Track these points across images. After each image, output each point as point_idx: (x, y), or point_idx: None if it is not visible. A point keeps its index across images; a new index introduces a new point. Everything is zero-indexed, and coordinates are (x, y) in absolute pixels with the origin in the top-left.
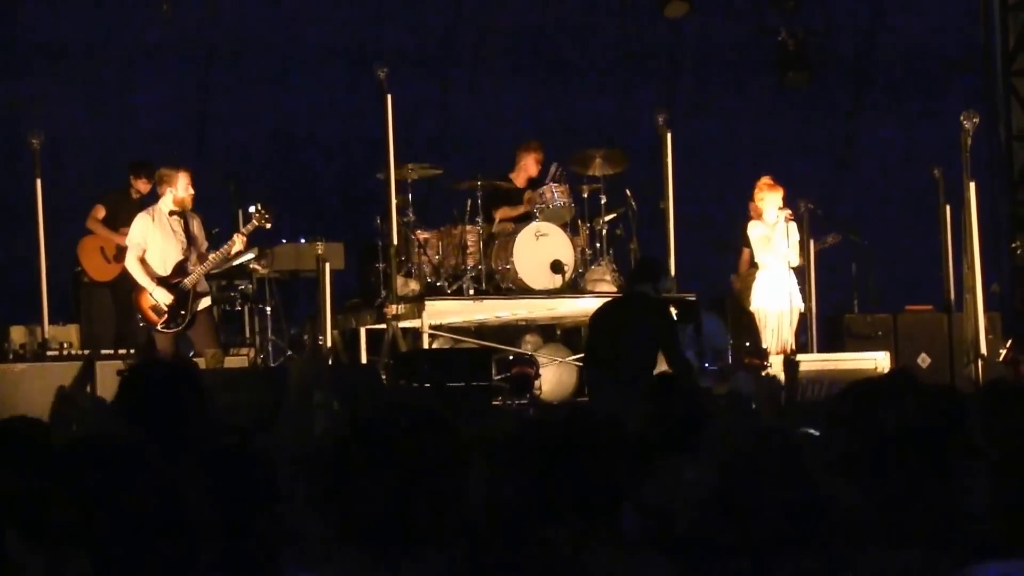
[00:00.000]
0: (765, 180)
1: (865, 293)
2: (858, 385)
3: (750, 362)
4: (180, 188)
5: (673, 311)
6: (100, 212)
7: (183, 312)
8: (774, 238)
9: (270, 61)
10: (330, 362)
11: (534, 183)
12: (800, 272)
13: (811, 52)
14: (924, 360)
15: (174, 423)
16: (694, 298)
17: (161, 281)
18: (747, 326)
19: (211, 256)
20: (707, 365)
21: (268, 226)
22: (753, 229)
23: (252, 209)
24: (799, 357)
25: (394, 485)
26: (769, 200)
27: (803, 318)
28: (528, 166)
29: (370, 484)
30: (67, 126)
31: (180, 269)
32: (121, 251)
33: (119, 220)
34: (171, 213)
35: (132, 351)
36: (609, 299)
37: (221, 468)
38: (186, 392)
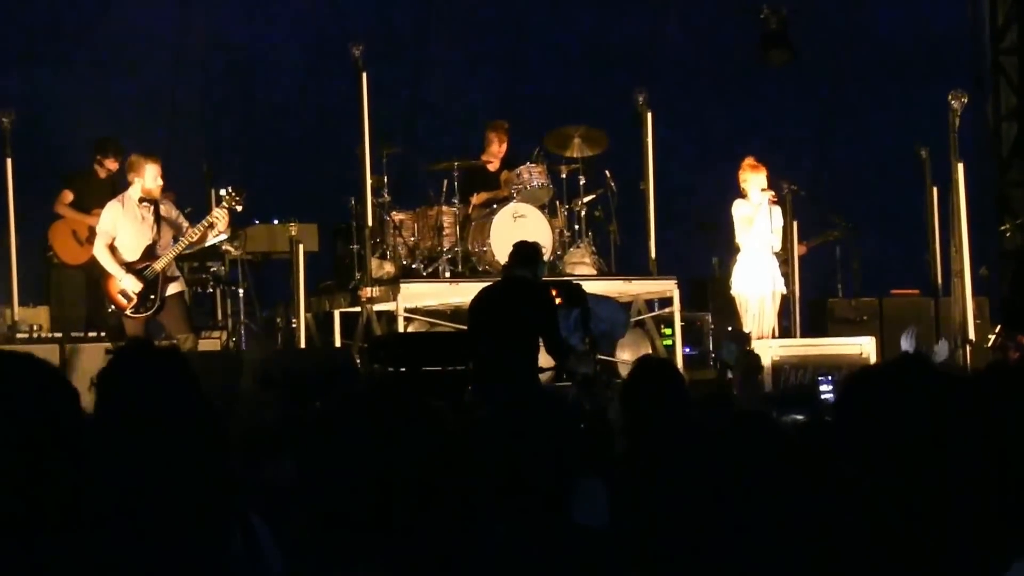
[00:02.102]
0: (748, 161)
1: (849, 277)
2: (869, 371)
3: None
4: (148, 178)
5: (555, 295)
6: (68, 197)
7: (152, 296)
8: (757, 220)
9: (240, 37)
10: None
11: (506, 163)
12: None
13: (793, 30)
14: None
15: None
16: (576, 282)
17: (129, 268)
18: (729, 311)
19: (187, 232)
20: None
21: (239, 208)
22: (737, 208)
23: (223, 191)
24: (781, 342)
25: (367, 474)
26: (752, 181)
27: (786, 302)
28: (498, 146)
29: (343, 475)
30: (39, 105)
31: (149, 253)
32: (94, 233)
33: (90, 201)
34: (140, 200)
35: (103, 334)
36: (488, 285)
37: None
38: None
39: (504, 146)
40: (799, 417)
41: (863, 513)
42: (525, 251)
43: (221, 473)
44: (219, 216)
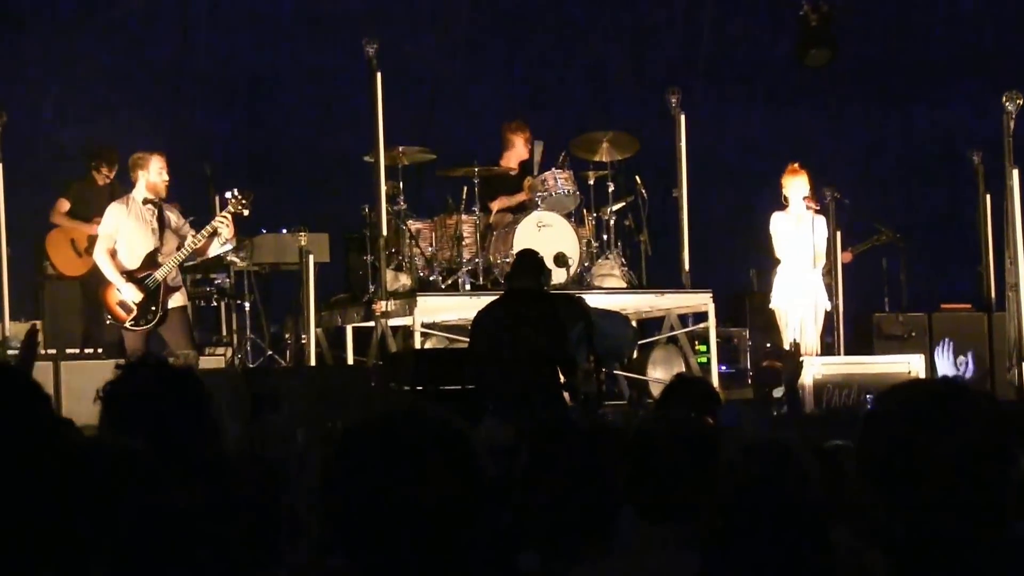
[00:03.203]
0: (790, 166)
1: (896, 290)
2: (900, 390)
3: (769, 365)
4: (153, 172)
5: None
6: (64, 206)
7: (154, 308)
8: (798, 230)
9: (248, 32)
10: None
11: (527, 167)
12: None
13: (835, 27)
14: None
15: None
16: (578, 295)
17: (130, 276)
18: (768, 326)
19: (188, 241)
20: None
21: (246, 212)
22: (776, 223)
23: (228, 195)
24: (824, 360)
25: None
26: (793, 187)
27: (829, 318)
28: (518, 148)
29: (367, 500)
30: (33, 109)
31: (150, 261)
32: (93, 243)
33: (89, 210)
34: (145, 201)
35: (100, 351)
36: (492, 300)
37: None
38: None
39: (528, 148)
40: (842, 443)
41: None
42: (528, 261)
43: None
44: (223, 221)
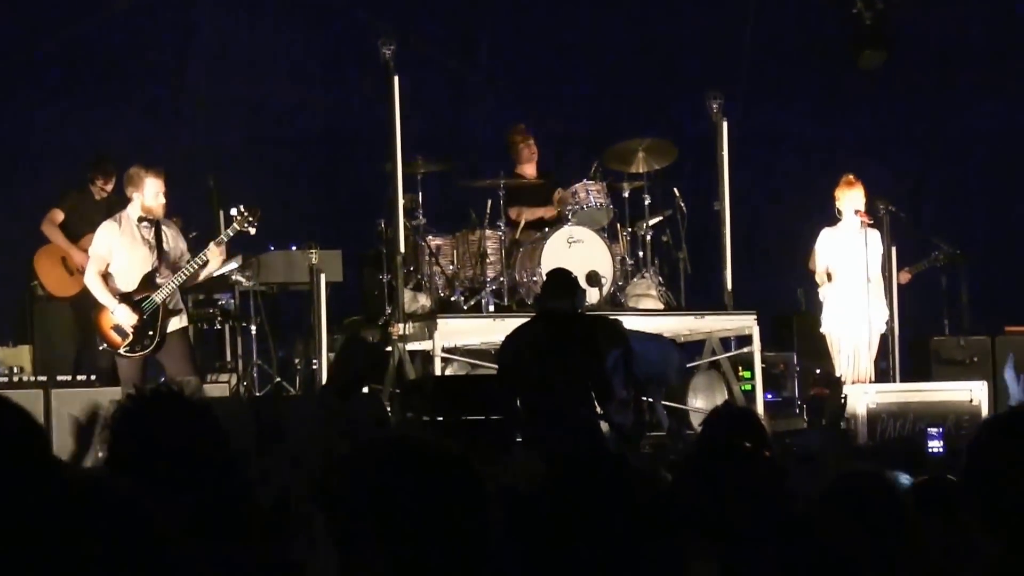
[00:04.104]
0: (845, 178)
1: (957, 311)
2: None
3: (818, 392)
4: (148, 195)
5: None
6: (58, 217)
7: (151, 333)
8: (851, 246)
9: (252, 35)
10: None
11: (549, 174)
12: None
13: (890, 26)
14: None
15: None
16: (615, 317)
17: (124, 298)
18: (818, 351)
19: (184, 267)
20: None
21: (252, 231)
22: (823, 237)
23: (234, 211)
24: (879, 387)
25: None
26: (846, 200)
27: (884, 342)
28: (524, 152)
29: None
30: (22, 121)
31: (148, 282)
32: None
33: (82, 225)
34: (141, 219)
35: (94, 377)
36: (523, 323)
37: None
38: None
39: (534, 150)
40: (903, 476)
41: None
42: (561, 280)
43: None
44: (213, 252)
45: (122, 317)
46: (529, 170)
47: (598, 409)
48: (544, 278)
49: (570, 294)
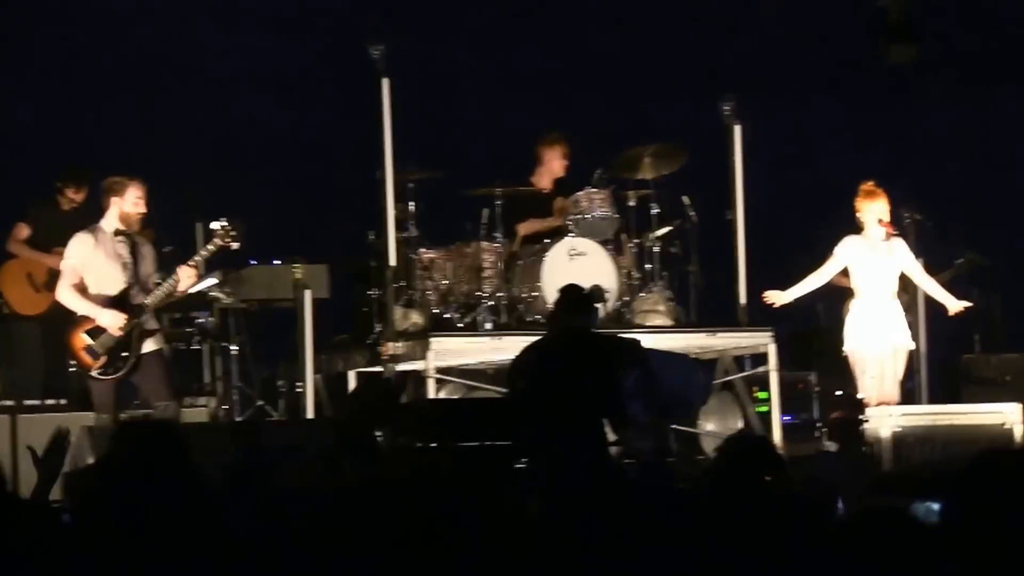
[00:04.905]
0: (865, 186)
1: (988, 327)
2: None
3: (839, 416)
4: (128, 201)
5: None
6: (23, 232)
7: (125, 354)
8: (875, 259)
9: (232, 36)
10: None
11: (562, 187)
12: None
13: (920, 20)
14: None
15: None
16: (634, 336)
17: (111, 302)
18: (839, 369)
19: (156, 290)
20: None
21: (235, 246)
22: (844, 247)
23: (215, 225)
24: (904, 410)
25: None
26: (868, 211)
27: (911, 360)
28: (553, 164)
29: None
30: None
31: (122, 301)
32: (54, 277)
33: (50, 239)
34: (116, 233)
35: (63, 402)
36: (535, 341)
37: None
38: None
39: (564, 165)
40: (932, 507)
41: None
42: (576, 295)
43: None
44: (183, 277)
45: (109, 321)
46: (544, 181)
47: (611, 436)
48: (556, 294)
49: (584, 311)
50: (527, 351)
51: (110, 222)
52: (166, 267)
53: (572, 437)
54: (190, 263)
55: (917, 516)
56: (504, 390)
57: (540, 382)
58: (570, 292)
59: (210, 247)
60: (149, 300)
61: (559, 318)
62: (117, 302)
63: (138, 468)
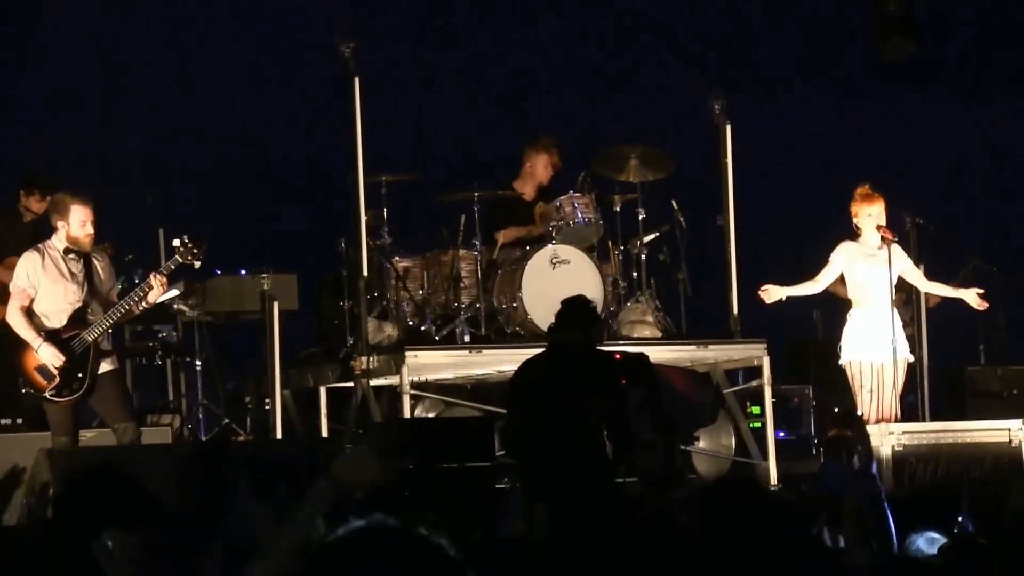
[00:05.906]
0: (860, 189)
1: (994, 338)
2: None
3: (836, 433)
4: (74, 224)
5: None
6: None
7: (80, 375)
8: (873, 268)
9: (199, 43)
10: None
11: (546, 193)
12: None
13: (919, 14)
14: None
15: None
16: (640, 350)
17: (50, 336)
18: (836, 381)
19: (118, 305)
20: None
21: (197, 264)
22: (840, 253)
23: (176, 242)
24: (905, 427)
25: None
26: (865, 216)
27: (912, 373)
28: (537, 170)
29: None
30: None
31: (78, 320)
32: (6, 291)
33: (5, 249)
34: (67, 251)
35: (20, 421)
36: (533, 356)
37: None
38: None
39: (552, 173)
40: (935, 536)
41: None
42: (575, 308)
43: None
44: (155, 285)
45: (47, 357)
46: (528, 186)
47: (610, 455)
48: (546, 303)
49: (584, 325)
50: (523, 366)
51: (59, 240)
52: (128, 276)
53: (563, 458)
54: (161, 271)
55: (918, 549)
56: (485, 407)
57: (530, 398)
58: (568, 304)
59: (171, 264)
60: (112, 314)
61: (557, 331)
62: (74, 319)
63: (85, 523)
